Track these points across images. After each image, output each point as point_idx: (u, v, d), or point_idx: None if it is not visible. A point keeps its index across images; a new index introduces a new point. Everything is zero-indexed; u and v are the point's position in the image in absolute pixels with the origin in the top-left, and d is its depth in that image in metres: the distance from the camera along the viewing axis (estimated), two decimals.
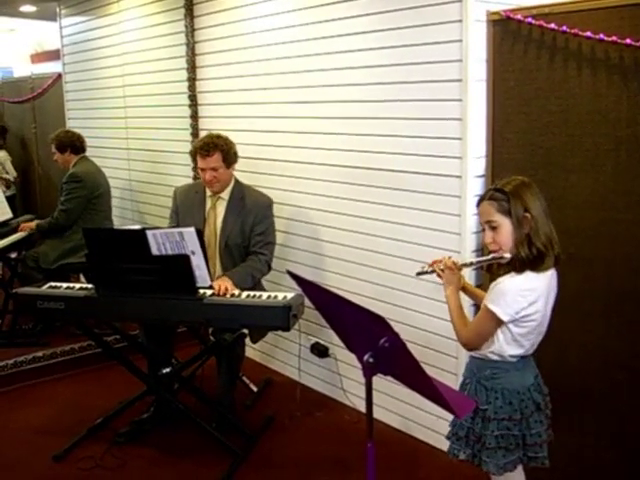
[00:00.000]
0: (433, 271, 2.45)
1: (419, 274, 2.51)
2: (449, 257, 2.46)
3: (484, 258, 2.38)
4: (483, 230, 2.32)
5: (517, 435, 2.28)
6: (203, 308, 3.26)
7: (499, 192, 2.24)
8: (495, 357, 2.29)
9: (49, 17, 6.89)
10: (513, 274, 2.23)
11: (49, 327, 5.03)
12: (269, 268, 3.89)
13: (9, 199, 6.70)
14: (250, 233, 3.82)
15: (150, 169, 5.53)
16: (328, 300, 1.97)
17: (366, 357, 1.86)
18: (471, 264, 2.52)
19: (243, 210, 3.82)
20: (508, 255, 2.24)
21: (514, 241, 2.22)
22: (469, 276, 3.18)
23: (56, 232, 5.08)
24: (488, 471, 2.32)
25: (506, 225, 2.22)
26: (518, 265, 2.21)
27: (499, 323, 2.23)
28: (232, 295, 3.34)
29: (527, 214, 2.19)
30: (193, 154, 3.87)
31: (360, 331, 1.88)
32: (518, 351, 2.28)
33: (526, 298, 2.19)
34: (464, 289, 2.50)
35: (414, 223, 3.44)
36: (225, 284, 3.39)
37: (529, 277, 2.20)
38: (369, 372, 1.88)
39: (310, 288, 2.06)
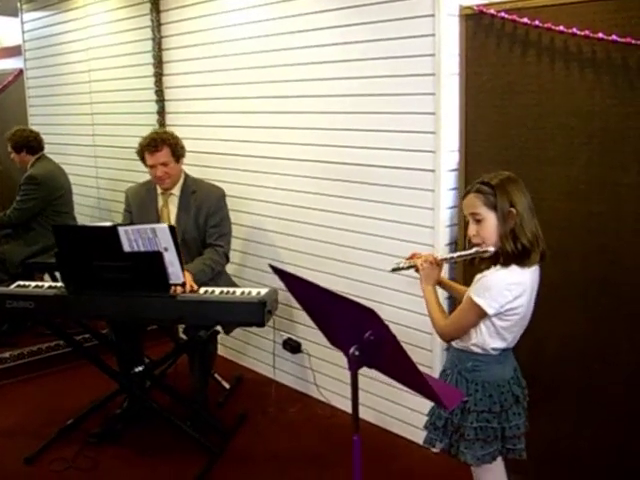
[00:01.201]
0: (410, 267, 2.45)
1: (395, 270, 2.48)
2: (429, 253, 2.47)
3: (466, 252, 2.36)
4: (467, 223, 2.33)
5: (496, 427, 2.29)
6: (177, 305, 3.24)
7: (486, 185, 2.24)
8: (477, 350, 2.30)
9: (9, 12, 6.74)
10: (499, 267, 2.24)
11: (16, 327, 4.93)
12: (227, 259, 3.88)
13: None
14: (205, 226, 3.80)
15: (117, 166, 5.44)
16: (313, 294, 1.96)
17: (352, 350, 1.85)
18: (451, 258, 2.52)
19: (195, 203, 3.81)
20: (492, 249, 2.24)
21: (498, 235, 2.22)
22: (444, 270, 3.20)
23: (18, 234, 4.98)
24: (465, 462, 2.33)
25: (491, 219, 2.23)
26: (504, 259, 2.22)
27: (482, 316, 2.23)
28: (194, 291, 3.31)
29: (512, 209, 2.20)
30: (140, 153, 3.83)
31: (345, 324, 1.87)
32: (501, 344, 2.29)
33: (512, 292, 2.20)
34: (440, 283, 2.50)
35: (387, 217, 3.45)
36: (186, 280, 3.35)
37: (515, 271, 2.21)
38: (355, 365, 1.87)
39: (293, 282, 2.05)
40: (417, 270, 2.42)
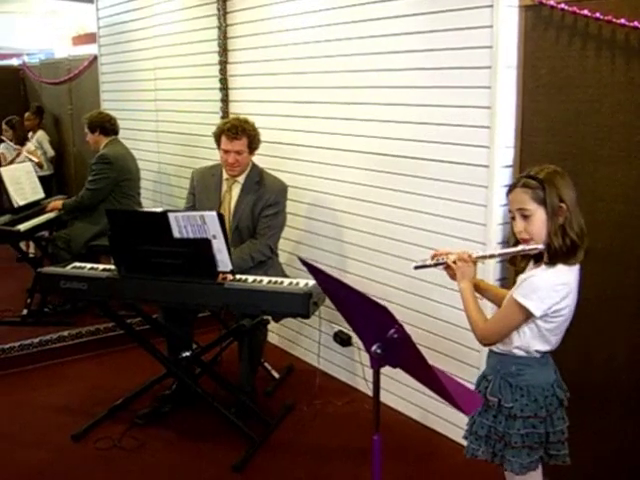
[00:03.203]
0: (438, 264, 2.34)
1: (418, 267, 2.38)
2: (463, 250, 2.37)
3: (511, 250, 2.25)
4: (512, 219, 2.22)
5: (542, 433, 2.21)
6: (223, 292, 3.25)
7: (533, 179, 2.13)
8: (520, 353, 2.21)
9: None
10: (544, 267, 2.14)
11: (75, 307, 5.07)
12: (271, 251, 3.88)
13: (46, 179, 6.79)
14: (258, 215, 3.81)
15: (180, 152, 5.53)
16: (337, 288, 1.92)
17: (374, 348, 1.81)
18: (491, 256, 2.42)
19: (257, 193, 3.83)
20: (541, 246, 2.14)
21: (547, 231, 2.12)
22: (493, 268, 3.12)
23: (83, 213, 5.11)
24: (512, 471, 2.24)
25: (540, 214, 2.12)
26: (550, 257, 2.12)
27: (527, 318, 2.14)
28: (225, 279, 3.31)
29: (562, 204, 2.10)
30: (217, 135, 3.86)
31: (368, 321, 1.83)
32: (545, 347, 2.20)
33: (559, 293, 2.10)
34: (476, 285, 2.39)
35: (439, 212, 3.37)
36: None
37: (561, 271, 2.12)
38: (376, 363, 1.83)
39: (320, 275, 2.02)
40: (446, 268, 2.34)
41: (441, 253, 2.36)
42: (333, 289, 2.02)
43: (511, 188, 2.22)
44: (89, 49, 7.36)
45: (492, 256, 2.42)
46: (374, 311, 1.71)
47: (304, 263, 2.05)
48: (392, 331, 1.73)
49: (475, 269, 2.33)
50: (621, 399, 2.77)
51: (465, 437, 2.39)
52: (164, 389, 3.79)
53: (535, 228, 2.15)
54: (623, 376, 2.75)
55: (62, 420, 3.67)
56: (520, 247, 2.21)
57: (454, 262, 2.30)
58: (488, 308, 2.56)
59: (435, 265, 2.35)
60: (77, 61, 7.22)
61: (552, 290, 2.11)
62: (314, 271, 2.03)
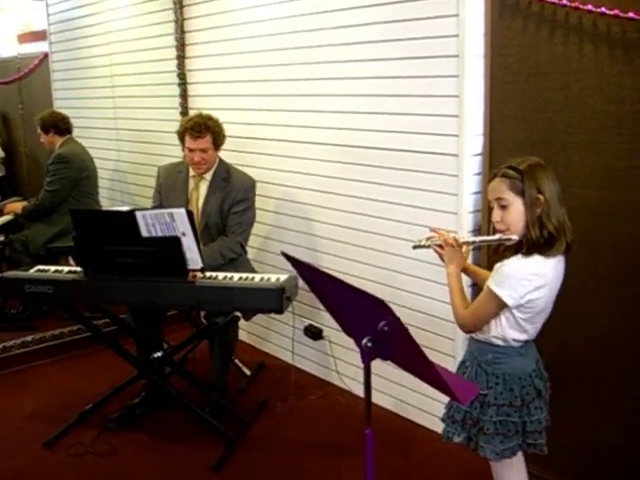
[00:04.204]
0: (429, 245, 2.37)
1: (416, 247, 2.43)
2: (448, 232, 2.39)
3: (489, 237, 2.28)
4: (491, 208, 2.23)
5: (517, 422, 2.22)
6: (194, 291, 3.20)
7: (513, 170, 2.14)
8: (498, 341, 2.23)
9: None
10: (520, 256, 2.15)
11: (38, 311, 4.95)
12: (242, 248, 3.84)
13: None
14: (227, 212, 3.77)
15: (139, 149, 5.43)
16: (325, 282, 1.90)
17: (364, 341, 1.79)
18: (473, 242, 2.43)
19: (225, 190, 3.78)
20: (516, 237, 2.15)
21: (524, 222, 2.13)
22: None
23: (43, 215, 5.00)
24: (485, 456, 2.26)
25: (517, 205, 2.13)
26: (527, 248, 2.13)
27: (502, 307, 2.16)
28: (195, 277, 3.26)
29: (540, 196, 2.11)
30: (181, 133, 3.79)
31: (358, 314, 1.81)
32: (521, 336, 2.21)
33: (532, 282, 2.11)
34: (465, 269, 2.42)
35: (410, 202, 3.37)
36: None
37: (537, 261, 2.12)
38: (367, 357, 1.81)
39: (306, 270, 1.99)
40: (437, 252, 2.35)
41: (435, 230, 2.39)
42: (318, 283, 1.99)
43: (491, 178, 2.24)
44: (37, 47, 7.18)
45: (474, 242, 2.42)
46: (366, 304, 1.69)
47: (287, 257, 2.02)
48: (383, 324, 1.71)
49: (462, 253, 2.34)
50: (596, 384, 2.81)
51: (443, 420, 2.40)
52: (135, 391, 3.71)
53: (512, 218, 2.16)
54: (598, 361, 2.79)
55: (32, 428, 3.57)
56: (497, 236, 2.22)
57: (441, 246, 2.31)
58: None
59: (428, 246, 2.37)
60: (27, 59, 7.03)
61: (524, 279, 2.12)
62: (298, 265, 2.00)
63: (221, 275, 3.34)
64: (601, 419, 2.81)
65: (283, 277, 3.26)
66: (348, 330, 1.98)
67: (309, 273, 2.00)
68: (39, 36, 7.10)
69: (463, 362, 2.39)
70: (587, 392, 2.84)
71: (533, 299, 2.14)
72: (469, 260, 2.68)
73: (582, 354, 2.83)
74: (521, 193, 2.13)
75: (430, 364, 1.67)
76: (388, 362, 1.92)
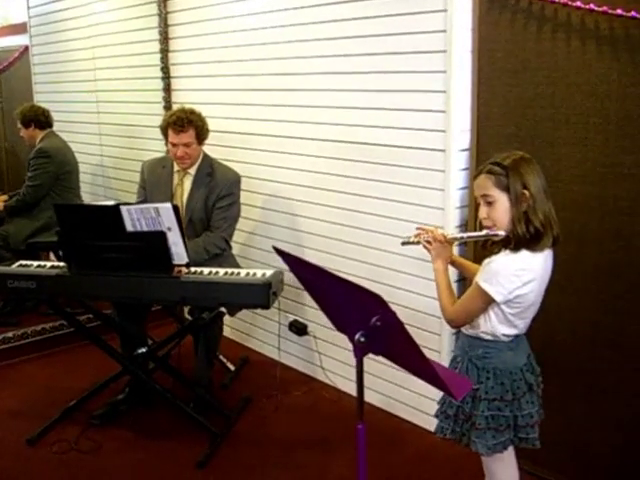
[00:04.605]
0: (417, 242, 2.37)
1: (405, 244, 2.42)
2: (435, 227, 2.39)
3: (476, 233, 2.28)
4: (478, 204, 2.24)
5: (508, 416, 2.22)
6: (180, 286, 3.18)
7: (498, 166, 2.14)
8: (488, 337, 2.23)
9: None
10: (508, 252, 2.15)
11: (19, 307, 4.89)
12: (227, 243, 3.81)
13: None
14: (212, 207, 3.74)
15: (122, 144, 5.38)
16: (317, 277, 1.89)
17: (357, 336, 1.78)
18: (461, 239, 2.43)
19: (209, 185, 3.75)
20: (502, 233, 2.15)
21: (510, 218, 2.14)
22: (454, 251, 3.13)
23: (24, 210, 4.94)
24: (477, 451, 2.26)
25: (503, 201, 2.13)
26: (514, 243, 2.13)
27: (490, 302, 2.16)
28: (180, 272, 3.24)
29: (525, 191, 2.11)
30: (164, 128, 3.75)
31: (351, 309, 1.80)
32: (511, 331, 2.22)
33: (520, 278, 2.11)
34: (453, 262, 2.42)
35: (396, 198, 3.37)
36: None
37: (524, 256, 2.13)
38: (360, 352, 1.80)
39: (297, 265, 1.98)
40: (426, 247, 2.35)
41: (422, 229, 2.38)
42: (310, 278, 1.98)
43: (476, 174, 2.24)
44: (17, 40, 7.10)
45: (462, 239, 2.43)
46: (360, 298, 1.68)
47: (279, 252, 2.00)
48: (375, 318, 1.71)
49: (450, 249, 2.35)
50: (583, 378, 2.83)
51: (436, 415, 2.41)
52: (119, 387, 3.69)
53: (498, 214, 2.16)
54: (585, 356, 2.81)
55: (15, 425, 3.53)
56: (484, 232, 2.22)
57: (429, 242, 2.31)
58: None
59: (416, 243, 2.36)
60: (6, 52, 6.94)
61: (512, 275, 2.12)
62: (290, 260, 1.99)
63: (206, 270, 3.31)
64: (589, 413, 2.83)
65: (269, 272, 3.25)
66: (340, 326, 1.97)
67: (300, 268, 1.99)
68: (19, 29, 7.02)
69: (454, 358, 2.39)
70: (575, 386, 2.86)
71: (522, 294, 2.14)
72: (455, 252, 2.70)
73: (570, 349, 2.84)
74: (506, 189, 2.13)
75: (425, 359, 1.66)
76: (378, 357, 1.91)
